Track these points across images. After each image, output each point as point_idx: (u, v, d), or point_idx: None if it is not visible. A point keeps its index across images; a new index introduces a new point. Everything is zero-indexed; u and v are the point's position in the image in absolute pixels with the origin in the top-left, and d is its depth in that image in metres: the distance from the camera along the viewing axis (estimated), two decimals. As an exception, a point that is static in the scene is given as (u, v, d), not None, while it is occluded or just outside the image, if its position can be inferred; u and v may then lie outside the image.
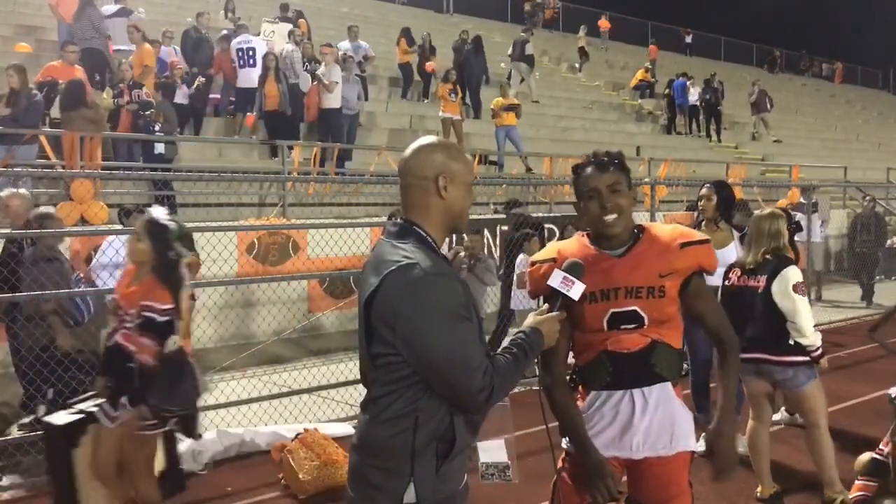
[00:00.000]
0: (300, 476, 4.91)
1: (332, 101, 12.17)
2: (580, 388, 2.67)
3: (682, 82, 20.81)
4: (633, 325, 2.53)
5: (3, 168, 7.89)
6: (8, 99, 8.78)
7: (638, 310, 2.52)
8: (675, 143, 19.86)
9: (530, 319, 2.35)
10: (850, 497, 4.06)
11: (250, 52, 12.35)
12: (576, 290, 2.38)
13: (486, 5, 29.68)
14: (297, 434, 5.34)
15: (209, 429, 5.85)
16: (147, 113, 10.13)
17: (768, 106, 22.91)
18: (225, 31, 13.57)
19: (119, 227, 7.47)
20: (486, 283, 7.71)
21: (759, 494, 4.87)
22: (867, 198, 12.37)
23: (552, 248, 2.71)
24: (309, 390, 6.70)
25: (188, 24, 13.85)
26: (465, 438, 2.18)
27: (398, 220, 2.26)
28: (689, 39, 32.84)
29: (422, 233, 2.19)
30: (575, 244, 2.67)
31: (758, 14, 41.86)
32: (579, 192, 2.60)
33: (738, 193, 15.34)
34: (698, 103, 21.08)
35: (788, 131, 25.23)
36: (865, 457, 4.26)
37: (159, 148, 10.00)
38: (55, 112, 9.80)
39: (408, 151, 2.27)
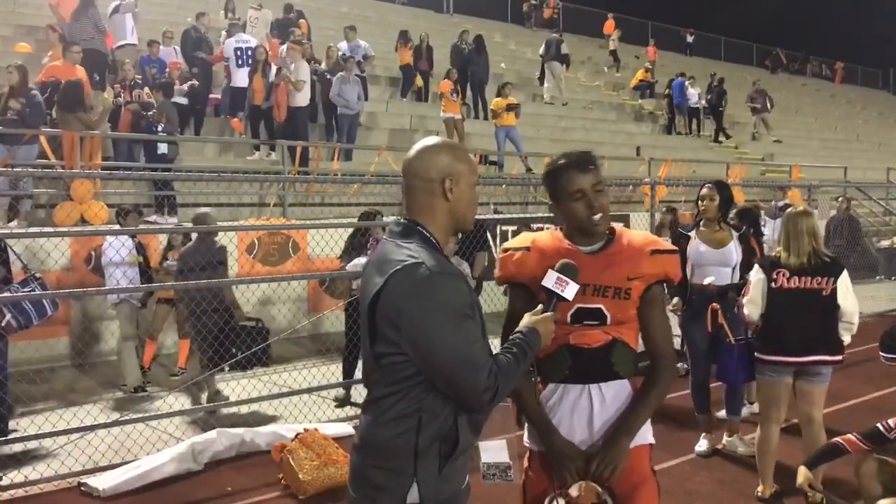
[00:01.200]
0: (300, 476, 4.92)
1: (300, 99, 11.94)
2: (539, 380, 2.69)
3: (681, 82, 20.81)
4: (595, 322, 2.59)
5: (3, 168, 7.90)
6: (8, 99, 8.77)
7: (602, 308, 2.58)
8: (675, 143, 19.87)
9: (526, 320, 2.35)
10: (834, 440, 4.09)
11: (248, 52, 12.36)
12: (570, 291, 2.40)
13: (486, 5, 29.65)
14: (297, 434, 5.34)
15: (209, 429, 5.86)
16: (150, 114, 10.15)
17: (768, 106, 22.92)
18: (226, 31, 13.61)
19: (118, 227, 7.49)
20: None
21: (759, 494, 4.87)
22: (839, 199, 11.38)
23: (527, 238, 2.74)
24: (309, 390, 6.71)
25: (188, 24, 13.87)
26: (468, 438, 2.19)
27: (401, 220, 2.25)
28: (689, 39, 32.84)
29: (426, 233, 2.19)
30: (549, 237, 2.71)
31: (758, 14, 41.85)
32: (561, 193, 2.60)
33: (739, 194, 15.43)
34: (699, 104, 21.09)
35: (788, 131, 25.23)
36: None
37: (162, 148, 10.02)
38: (55, 113, 9.81)
39: (412, 152, 2.26)
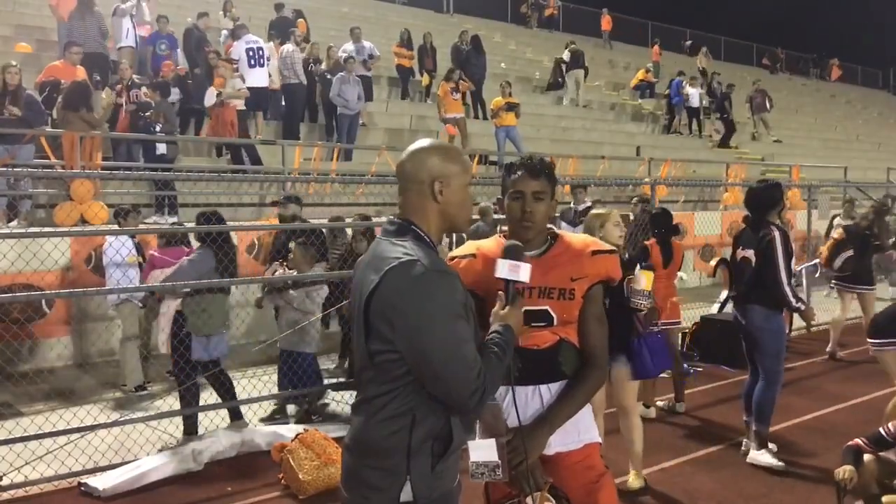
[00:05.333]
0: (300, 476, 4.92)
1: (239, 104, 11.59)
2: None
3: (678, 81, 20.82)
4: (543, 324, 2.64)
5: (3, 168, 7.89)
6: (3, 98, 8.76)
7: (549, 309, 2.64)
8: (675, 143, 19.88)
9: (495, 318, 2.33)
10: (849, 444, 4.11)
11: (260, 52, 12.38)
12: (524, 273, 2.39)
13: (486, 5, 29.70)
14: (297, 434, 5.34)
15: (209, 429, 5.86)
16: (147, 114, 10.13)
17: (768, 106, 22.91)
18: (226, 31, 13.61)
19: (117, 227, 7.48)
20: (307, 310, 6.37)
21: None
22: (634, 200, 10.14)
23: (472, 245, 2.79)
24: (309, 390, 6.70)
25: (188, 24, 13.88)
26: (461, 437, 2.20)
27: (395, 219, 2.27)
28: (688, 44, 32.87)
29: (419, 232, 2.21)
30: (493, 243, 2.77)
31: (758, 14, 41.84)
32: (507, 189, 2.72)
33: (738, 194, 15.37)
34: (699, 104, 21.11)
35: (788, 131, 25.23)
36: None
37: (161, 148, 9.99)
38: (56, 113, 9.81)
39: (404, 154, 2.29)
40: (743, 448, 5.61)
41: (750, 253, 5.38)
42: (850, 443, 4.14)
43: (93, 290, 6.39)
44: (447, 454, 2.15)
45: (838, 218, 12.66)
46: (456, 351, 2.06)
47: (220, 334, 5.93)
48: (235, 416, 6.08)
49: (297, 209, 7.42)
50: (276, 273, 6.61)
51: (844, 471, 3.98)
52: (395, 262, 2.10)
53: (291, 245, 6.74)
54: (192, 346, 5.79)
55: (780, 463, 5.29)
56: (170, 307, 5.90)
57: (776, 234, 5.24)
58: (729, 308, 9.39)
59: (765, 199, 5.42)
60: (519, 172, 2.70)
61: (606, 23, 29.47)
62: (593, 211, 5.01)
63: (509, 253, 2.42)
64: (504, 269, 2.39)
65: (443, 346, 2.05)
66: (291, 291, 6.33)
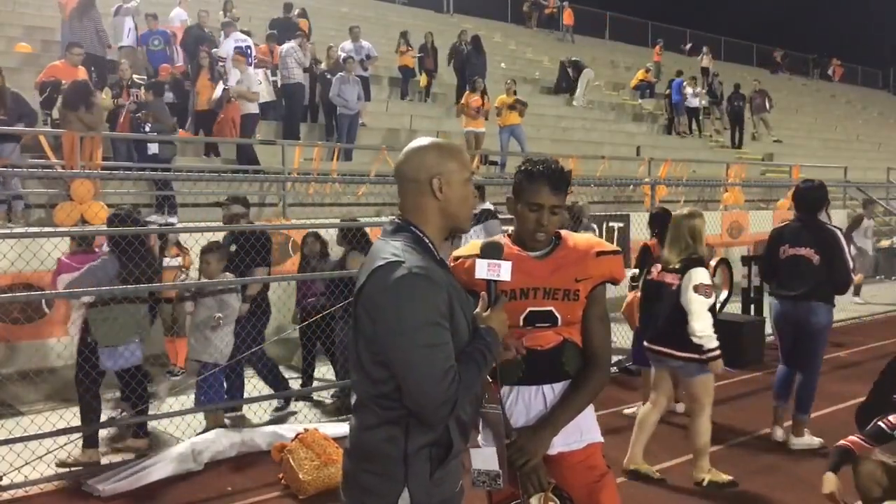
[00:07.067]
0: (300, 476, 4.92)
1: (251, 107, 11.55)
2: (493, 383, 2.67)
3: (679, 81, 20.83)
4: (547, 324, 2.65)
5: (2, 168, 7.89)
6: None
7: (553, 310, 2.65)
8: (675, 144, 19.89)
9: (479, 321, 2.28)
10: (840, 443, 4.03)
11: (248, 51, 12.37)
12: (504, 272, 2.34)
13: (486, 5, 29.70)
14: (297, 434, 5.34)
15: (171, 432, 5.83)
16: (138, 115, 10.08)
17: (768, 106, 22.93)
18: (222, 30, 13.64)
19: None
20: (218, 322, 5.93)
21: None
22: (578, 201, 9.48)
23: (476, 245, 2.70)
24: (309, 390, 6.71)
25: (189, 22, 13.88)
26: (459, 443, 2.16)
27: (395, 220, 2.25)
28: (688, 47, 32.81)
29: (418, 232, 2.18)
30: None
31: (758, 14, 41.86)
32: (523, 196, 2.67)
33: (739, 194, 15.36)
34: (699, 103, 21.12)
35: (788, 131, 25.24)
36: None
37: (153, 148, 9.93)
38: (56, 112, 9.80)
39: (401, 154, 2.26)
40: (780, 437, 5.79)
41: (808, 251, 5.57)
42: (842, 441, 4.01)
43: (93, 290, 6.37)
44: (447, 460, 2.11)
45: (865, 220, 12.68)
46: (425, 358, 2.00)
47: (130, 343, 5.60)
48: (90, 443, 5.54)
49: (240, 209, 7.00)
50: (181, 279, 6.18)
51: (831, 482, 3.83)
52: (381, 262, 2.08)
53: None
54: (100, 356, 5.48)
55: (820, 439, 5.72)
56: (78, 315, 5.58)
57: (838, 232, 5.60)
58: (729, 308, 9.51)
59: (816, 199, 5.70)
60: (541, 184, 2.63)
61: (568, 16, 28.71)
62: (686, 210, 5.09)
63: (487, 252, 2.37)
64: (484, 269, 2.35)
65: (412, 352, 2.00)
66: (203, 299, 6.02)
